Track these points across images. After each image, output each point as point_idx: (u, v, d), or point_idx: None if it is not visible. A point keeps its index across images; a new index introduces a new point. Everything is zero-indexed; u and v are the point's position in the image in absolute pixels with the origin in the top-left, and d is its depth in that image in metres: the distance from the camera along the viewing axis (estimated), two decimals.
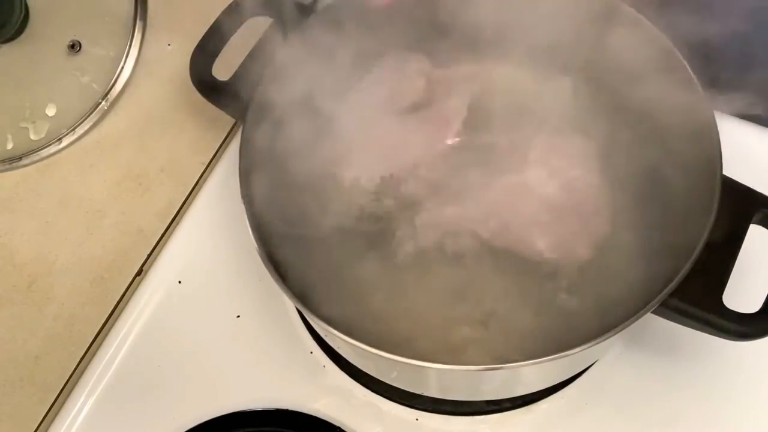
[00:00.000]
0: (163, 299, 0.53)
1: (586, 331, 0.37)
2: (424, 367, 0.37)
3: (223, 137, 0.58)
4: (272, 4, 0.51)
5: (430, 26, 0.50)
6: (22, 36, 0.59)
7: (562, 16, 0.47)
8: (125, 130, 0.58)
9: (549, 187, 0.45)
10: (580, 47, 0.48)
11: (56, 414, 0.50)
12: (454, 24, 0.49)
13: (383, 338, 0.40)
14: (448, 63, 0.51)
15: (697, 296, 0.39)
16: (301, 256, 0.43)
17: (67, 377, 0.50)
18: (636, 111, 0.47)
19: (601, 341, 0.37)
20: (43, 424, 0.49)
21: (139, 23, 0.60)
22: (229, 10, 0.51)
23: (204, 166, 0.57)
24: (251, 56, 0.49)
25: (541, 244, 0.45)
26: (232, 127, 0.58)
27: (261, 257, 0.39)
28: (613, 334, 0.37)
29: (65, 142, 0.57)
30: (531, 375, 0.42)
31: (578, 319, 0.44)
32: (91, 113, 0.58)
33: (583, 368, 0.48)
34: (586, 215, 0.44)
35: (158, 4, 0.62)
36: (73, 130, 0.58)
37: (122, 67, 0.59)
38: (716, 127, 0.41)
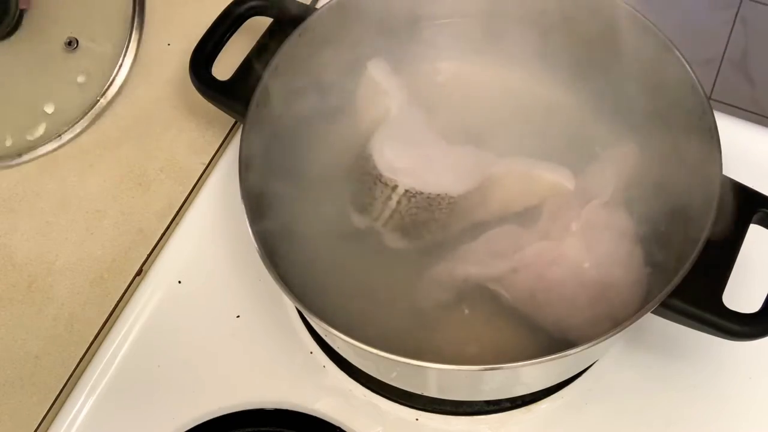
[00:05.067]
0: (163, 299, 0.53)
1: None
2: (424, 367, 0.37)
3: (223, 137, 0.58)
4: (272, 4, 0.51)
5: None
6: (18, 33, 0.59)
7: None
8: (125, 129, 0.58)
9: (585, 261, 0.44)
10: (584, 48, 0.48)
11: (56, 414, 0.49)
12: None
13: (383, 338, 0.40)
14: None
15: (697, 296, 0.39)
16: (301, 256, 0.43)
17: (67, 377, 0.50)
18: (637, 113, 0.47)
19: (601, 341, 0.37)
20: (43, 424, 0.49)
21: (137, 21, 0.60)
22: (229, 10, 0.51)
23: (204, 166, 0.57)
24: (251, 56, 0.49)
25: (567, 325, 0.43)
26: (232, 127, 0.58)
27: (261, 257, 0.39)
28: (614, 334, 0.37)
29: (65, 138, 0.57)
30: (531, 375, 0.42)
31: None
32: (89, 111, 0.58)
33: (583, 368, 0.48)
34: (618, 301, 0.43)
35: (157, 3, 0.62)
36: (72, 127, 0.58)
37: (120, 65, 0.59)
38: (716, 127, 0.41)
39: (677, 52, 0.43)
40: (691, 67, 0.43)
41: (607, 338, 0.37)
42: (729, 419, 0.48)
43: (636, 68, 0.46)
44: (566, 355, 0.36)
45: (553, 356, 0.36)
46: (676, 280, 0.38)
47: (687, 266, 0.38)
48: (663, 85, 0.45)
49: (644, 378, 0.49)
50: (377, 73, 0.49)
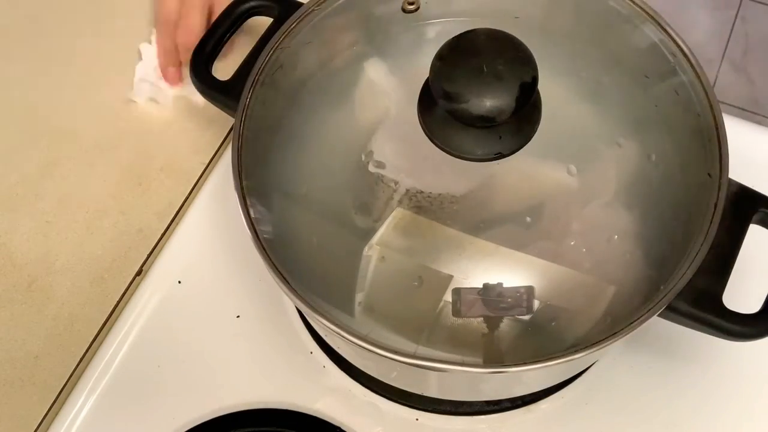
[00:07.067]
0: (163, 299, 0.53)
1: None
2: (423, 366, 0.37)
3: (223, 137, 0.58)
4: (272, 4, 0.51)
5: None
6: None
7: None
8: (125, 129, 0.58)
9: (586, 262, 0.44)
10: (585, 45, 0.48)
11: (56, 414, 0.49)
12: None
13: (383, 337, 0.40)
14: None
15: (697, 297, 0.39)
16: (301, 257, 0.43)
17: (67, 377, 0.50)
18: (639, 112, 0.47)
19: (607, 345, 0.37)
20: (43, 424, 0.49)
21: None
22: (229, 10, 0.51)
23: (204, 166, 0.57)
24: (251, 56, 0.49)
25: (567, 325, 0.43)
26: (232, 127, 0.58)
27: (261, 255, 0.39)
28: (619, 338, 0.37)
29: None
30: (532, 376, 0.42)
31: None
32: None
33: (583, 369, 0.48)
34: (619, 301, 0.43)
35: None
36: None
37: None
38: (717, 126, 0.41)
39: (682, 50, 0.43)
40: (694, 66, 0.43)
41: (612, 342, 0.37)
42: (729, 419, 0.48)
43: (638, 66, 0.46)
44: (570, 360, 0.36)
45: (559, 360, 0.36)
46: (681, 283, 0.38)
47: (690, 269, 0.38)
48: (666, 84, 0.45)
49: (644, 378, 0.49)
50: (375, 73, 0.49)
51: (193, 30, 0.55)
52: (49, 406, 0.49)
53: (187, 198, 0.56)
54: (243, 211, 0.40)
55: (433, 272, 0.44)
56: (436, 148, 0.41)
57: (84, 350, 0.51)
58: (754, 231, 0.42)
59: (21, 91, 0.60)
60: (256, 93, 0.44)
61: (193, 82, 0.50)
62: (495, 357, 0.43)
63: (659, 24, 0.44)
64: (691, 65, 0.43)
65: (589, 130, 0.48)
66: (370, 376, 0.48)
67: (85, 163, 0.57)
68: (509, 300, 0.43)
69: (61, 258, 0.53)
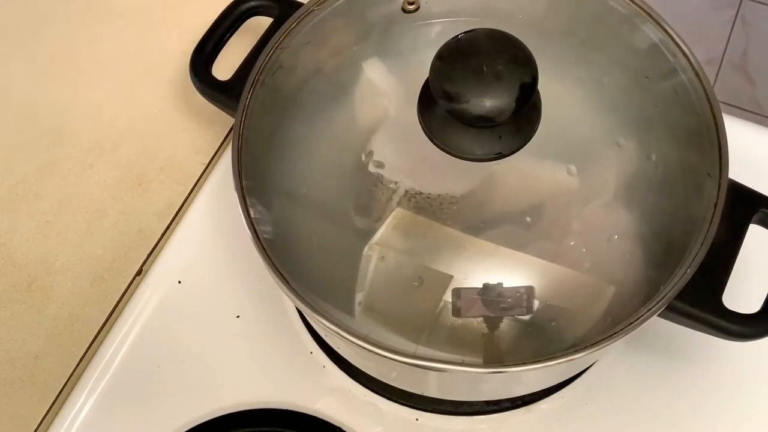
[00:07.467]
0: (163, 299, 0.53)
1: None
2: (423, 367, 0.37)
3: (223, 137, 0.58)
4: (272, 4, 0.51)
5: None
6: None
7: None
8: (125, 129, 0.58)
9: (586, 262, 0.44)
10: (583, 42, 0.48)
11: (56, 414, 0.50)
12: None
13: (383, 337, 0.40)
14: None
15: (696, 297, 0.39)
16: (301, 258, 0.43)
17: (67, 377, 0.50)
18: (639, 112, 0.47)
19: (607, 344, 0.37)
20: (43, 424, 0.49)
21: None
22: (229, 10, 0.51)
23: (204, 166, 0.57)
24: (251, 56, 0.49)
25: (567, 325, 0.43)
26: (232, 127, 0.58)
27: (261, 255, 0.39)
28: (620, 338, 0.37)
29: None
30: (532, 376, 0.42)
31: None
32: None
33: (583, 369, 0.48)
34: (619, 302, 0.43)
35: (157, 3, 0.62)
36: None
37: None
38: (717, 126, 0.41)
39: (682, 50, 0.43)
40: (694, 66, 0.43)
41: (613, 341, 0.37)
42: (729, 419, 0.48)
43: (638, 66, 0.46)
44: (570, 360, 0.36)
45: (559, 360, 0.36)
46: (681, 283, 0.38)
47: (690, 269, 0.38)
48: (666, 84, 0.45)
49: (644, 378, 0.49)
50: (374, 73, 0.49)
51: None
52: (49, 406, 0.49)
53: (187, 198, 0.56)
54: (243, 211, 0.40)
55: (433, 272, 0.44)
56: (436, 149, 0.41)
57: (84, 350, 0.51)
58: (754, 231, 0.42)
59: (21, 91, 0.60)
60: (256, 93, 0.44)
61: (193, 82, 0.50)
62: (495, 357, 0.43)
63: (659, 24, 0.44)
64: (691, 65, 0.43)
65: (589, 130, 0.48)
66: (370, 376, 0.48)
67: (85, 163, 0.57)
68: (509, 300, 0.43)
69: (61, 258, 0.53)
